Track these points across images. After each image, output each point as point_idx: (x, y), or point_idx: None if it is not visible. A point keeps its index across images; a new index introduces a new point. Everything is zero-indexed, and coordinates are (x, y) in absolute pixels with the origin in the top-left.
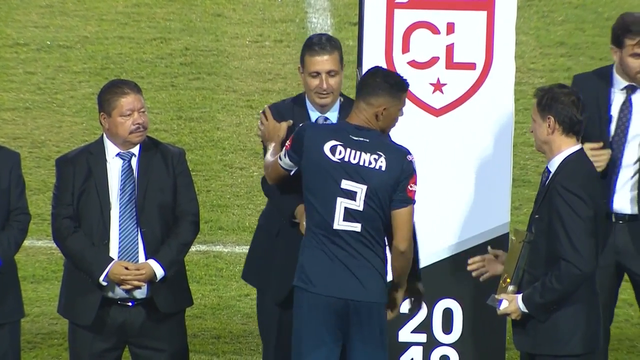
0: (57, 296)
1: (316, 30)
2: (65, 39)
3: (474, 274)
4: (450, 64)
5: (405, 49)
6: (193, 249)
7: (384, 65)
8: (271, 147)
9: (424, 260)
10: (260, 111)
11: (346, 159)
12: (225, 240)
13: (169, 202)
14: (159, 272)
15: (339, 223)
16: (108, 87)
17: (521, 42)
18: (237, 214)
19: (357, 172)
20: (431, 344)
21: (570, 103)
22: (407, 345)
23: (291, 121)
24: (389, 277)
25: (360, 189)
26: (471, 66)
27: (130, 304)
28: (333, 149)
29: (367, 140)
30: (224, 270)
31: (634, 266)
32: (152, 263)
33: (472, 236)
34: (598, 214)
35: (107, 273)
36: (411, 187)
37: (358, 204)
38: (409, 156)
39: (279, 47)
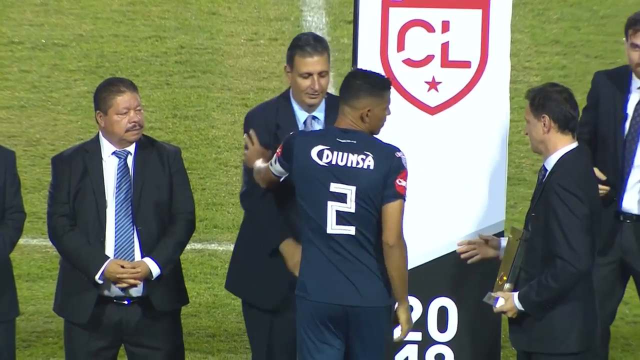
0: (52, 294)
1: (311, 29)
2: (60, 37)
3: (462, 256)
4: (446, 62)
5: (401, 47)
6: (188, 247)
7: (379, 64)
8: (258, 163)
9: (419, 259)
10: (245, 134)
11: (333, 162)
12: (220, 238)
13: (164, 201)
14: (155, 270)
15: (332, 227)
16: (104, 86)
17: (516, 40)
18: (232, 213)
19: (345, 174)
20: (426, 343)
21: (563, 100)
22: (402, 344)
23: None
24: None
25: (350, 191)
26: (466, 64)
27: (126, 302)
28: (320, 154)
29: (354, 142)
30: (219, 268)
31: (639, 266)
32: (148, 261)
33: (468, 234)
34: (594, 212)
35: (103, 271)
36: (400, 182)
37: (349, 206)
38: (397, 153)
39: (274, 45)
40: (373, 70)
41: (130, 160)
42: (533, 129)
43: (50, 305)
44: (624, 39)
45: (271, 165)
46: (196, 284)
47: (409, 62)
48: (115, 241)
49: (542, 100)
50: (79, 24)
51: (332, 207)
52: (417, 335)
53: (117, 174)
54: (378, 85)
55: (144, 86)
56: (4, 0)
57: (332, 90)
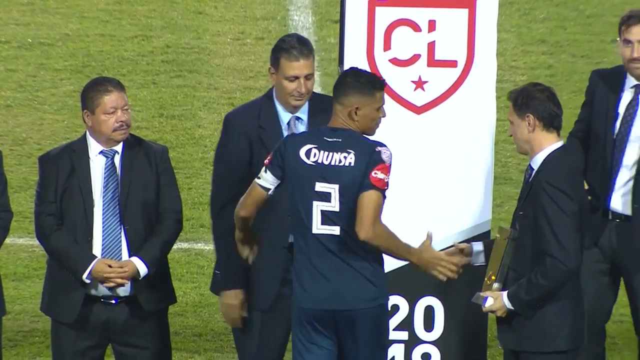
0: (38, 294)
1: (297, 28)
2: (46, 37)
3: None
4: (432, 62)
5: (387, 46)
6: (174, 246)
7: (366, 63)
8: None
9: None
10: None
11: (319, 161)
12: (207, 238)
13: (152, 200)
14: (142, 269)
15: (318, 227)
16: (91, 85)
17: (502, 39)
18: None
19: (329, 173)
20: (412, 342)
21: (545, 98)
22: (389, 343)
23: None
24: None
25: (333, 189)
26: (453, 64)
27: (113, 301)
28: (308, 153)
29: (340, 140)
30: (205, 267)
31: (628, 265)
32: (136, 260)
33: (454, 233)
34: (582, 209)
35: (90, 270)
36: (376, 173)
37: (334, 205)
38: (378, 147)
39: (260, 44)
40: (367, 70)
41: (117, 159)
42: (518, 130)
43: (37, 304)
44: (618, 38)
45: (259, 178)
46: (183, 283)
47: (395, 62)
48: (103, 240)
49: (525, 100)
50: (65, 23)
51: (317, 206)
52: (403, 335)
53: (105, 173)
54: (368, 84)
55: (130, 85)
56: None
57: (318, 89)
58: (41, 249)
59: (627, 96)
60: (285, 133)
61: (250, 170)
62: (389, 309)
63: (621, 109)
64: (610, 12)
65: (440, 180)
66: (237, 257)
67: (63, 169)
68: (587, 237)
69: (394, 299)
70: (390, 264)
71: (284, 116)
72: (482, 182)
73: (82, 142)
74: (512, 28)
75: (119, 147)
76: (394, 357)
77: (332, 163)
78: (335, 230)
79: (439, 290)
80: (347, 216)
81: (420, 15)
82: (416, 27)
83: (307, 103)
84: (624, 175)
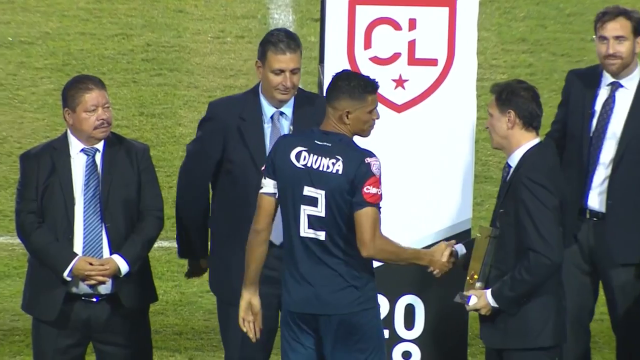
0: (19, 292)
1: (278, 27)
2: (26, 35)
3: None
4: (412, 60)
5: (367, 45)
6: (155, 245)
7: (346, 62)
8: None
9: None
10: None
11: (309, 165)
12: None
13: (133, 198)
14: (124, 267)
15: (305, 231)
16: (72, 83)
17: (483, 38)
18: None
19: (317, 178)
20: (393, 340)
21: (529, 97)
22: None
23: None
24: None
25: (320, 195)
26: (433, 62)
27: (94, 299)
28: (298, 155)
29: (329, 145)
30: (185, 266)
31: (604, 263)
32: (117, 258)
33: (435, 232)
34: (563, 203)
35: (71, 268)
36: (367, 189)
37: (320, 210)
38: (367, 158)
39: (240, 43)
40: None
41: (98, 157)
42: (497, 124)
43: (18, 303)
44: (594, 36)
45: (262, 188)
46: (163, 281)
47: (375, 60)
48: (84, 238)
49: (509, 96)
50: (46, 22)
51: (305, 210)
52: (384, 333)
53: (85, 172)
54: (359, 88)
55: (110, 84)
56: None
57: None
58: (21, 248)
59: (603, 94)
60: (267, 127)
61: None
62: None
63: (598, 107)
64: (591, 10)
65: (421, 178)
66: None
67: (44, 167)
68: (567, 235)
69: None
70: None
71: (268, 110)
72: (462, 180)
73: (63, 140)
74: (493, 27)
75: (100, 145)
76: None
77: (320, 168)
78: (321, 235)
79: (420, 288)
80: (332, 222)
81: (401, 13)
82: (396, 26)
83: (292, 99)
84: (601, 173)
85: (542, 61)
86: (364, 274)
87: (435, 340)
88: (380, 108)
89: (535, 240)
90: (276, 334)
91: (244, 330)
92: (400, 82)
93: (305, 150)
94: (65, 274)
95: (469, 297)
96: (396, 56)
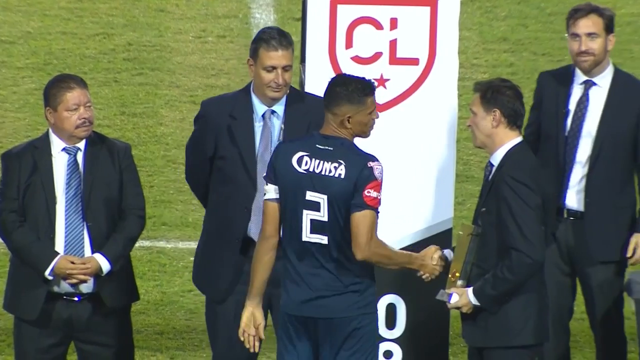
0: (1, 292)
1: (260, 26)
2: (7, 35)
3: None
4: (394, 60)
5: (349, 44)
6: (136, 244)
7: (328, 61)
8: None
9: None
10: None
11: (311, 169)
12: (169, 235)
13: (115, 197)
14: (105, 266)
15: (307, 235)
16: (54, 82)
17: (464, 37)
18: (181, 210)
19: (319, 182)
20: None
21: (514, 96)
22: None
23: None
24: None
25: (322, 199)
26: (414, 61)
27: (76, 298)
28: (300, 160)
29: (331, 149)
30: (167, 266)
31: (583, 261)
32: (98, 257)
33: (416, 231)
34: (545, 202)
35: (53, 267)
36: (368, 192)
37: (322, 214)
38: (370, 162)
39: (222, 42)
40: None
41: (80, 156)
42: (481, 122)
43: None
44: (566, 34)
45: (265, 194)
46: (144, 281)
47: (357, 59)
48: (65, 237)
49: (494, 95)
50: (27, 21)
51: (307, 215)
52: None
53: (67, 170)
54: (357, 92)
55: (92, 83)
56: None
57: None
58: (3, 247)
59: (577, 92)
60: (258, 125)
61: (212, 157)
62: None
63: (572, 106)
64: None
65: (402, 178)
66: None
67: (25, 166)
68: (547, 234)
69: None
70: None
71: (259, 109)
72: (443, 180)
73: (45, 140)
74: (474, 26)
75: (81, 144)
76: None
77: (323, 172)
78: (324, 239)
79: (401, 288)
80: (335, 226)
81: (382, 13)
82: (378, 25)
83: (284, 97)
84: (578, 172)
85: (524, 60)
86: (365, 278)
87: (416, 340)
88: None
89: (518, 239)
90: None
91: (244, 342)
92: (381, 82)
93: (306, 155)
94: (47, 272)
95: (450, 295)
96: (377, 55)
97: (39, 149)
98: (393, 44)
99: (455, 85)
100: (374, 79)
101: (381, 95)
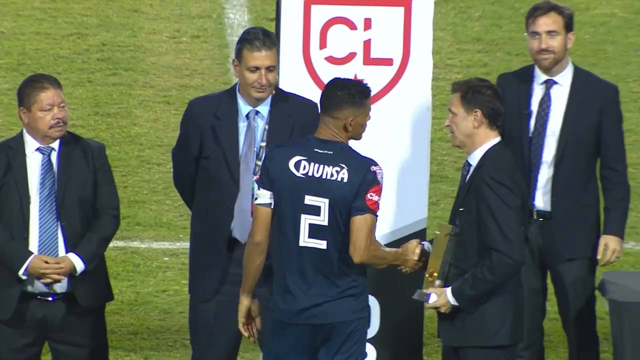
0: None
1: (233, 26)
2: None
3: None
4: (368, 60)
5: (323, 44)
6: (110, 244)
7: (302, 61)
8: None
9: None
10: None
11: (310, 174)
12: (143, 236)
13: (89, 197)
14: (79, 265)
15: (305, 240)
16: (28, 82)
17: (438, 37)
18: (155, 210)
19: (320, 186)
20: None
21: (494, 95)
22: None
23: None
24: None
25: (324, 203)
26: (388, 62)
27: (50, 298)
28: (297, 165)
29: (331, 153)
30: (141, 266)
31: (553, 261)
32: (72, 257)
33: (390, 231)
34: (524, 202)
35: (27, 267)
36: (371, 196)
37: (322, 219)
38: (373, 167)
39: (196, 42)
40: (351, 78)
41: (54, 156)
42: (462, 123)
43: None
44: (525, 33)
45: (256, 199)
46: (118, 281)
47: (331, 60)
48: (39, 237)
49: (475, 95)
50: (0, 21)
51: (306, 219)
52: None
53: (41, 170)
54: (359, 95)
55: (66, 84)
56: None
57: None
58: None
59: (538, 92)
60: (242, 125)
61: (197, 158)
62: None
63: (534, 106)
64: None
65: None
66: None
67: None
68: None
69: None
70: None
71: (244, 109)
72: (417, 180)
73: (19, 140)
74: (448, 26)
75: (55, 144)
76: None
77: (323, 176)
78: (322, 244)
79: (375, 288)
80: (334, 231)
81: (356, 13)
82: (352, 26)
83: (269, 99)
84: (545, 173)
85: (498, 61)
86: (360, 282)
87: (391, 340)
88: None
89: (498, 240)
90: (243, 336)
91: (245, 334)
92: None
93: (304, 159)
94: (21, 272)
95: (428, 295)
96: (351, 56)
97: (13, 149)
98: (367, 44)
99: (429, 86)
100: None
101: None
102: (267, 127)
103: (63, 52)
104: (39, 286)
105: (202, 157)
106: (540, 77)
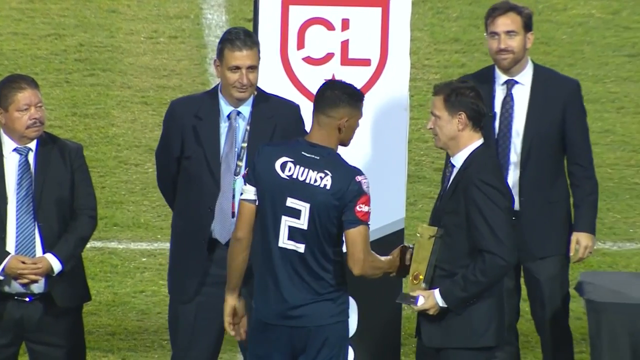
0: None
1: (211, 27)
2: None
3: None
4: (346, 60)
5: (301, 45)
6: (88, 245)
7: (279, 62)
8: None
9: None
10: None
11: (294, 176)
12: (120, 236)
13: (66, 197)
14: (57, 266)
15: (284, 242)
16: (5, 82)
17: (416, 38)
18: (132, 211)
19: (303, 190)
20: None
21: (476, 97)
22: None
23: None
24: None
25: (304, 207)
26: (366, 62)
27: (27, 299)
28: (283, 166)
29: (318, 158)
30: (118, 266)
31: (526, 261)
32: (50, 257)
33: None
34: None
35: (3, 267)
36: (360, 207)
37: (302, 222)
38: (358, 177)
39: (173, 43)
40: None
41: (31, 156)
42: (446, 125)
43: None
44: (485, 33)
45: (242, 194)
46: (96, 282)
47: (309, 60)
48: (17, 237)
49: (458, 97)
50: None
51: (286, 222)
52: None
53: (18, 171)
54: (355, 96)
55: (43, 84)
56: None
57: None
58: None
59: (500, 93)
60: (224, 126)
61: (179, 158)
62: None
63: (497, 108)
64: None
65: None
66: None
67: None
68: None
69: None
70: None
71: (226, 109)
72: (395, 180)
73: None
74: (425, 27)
75: (33, 145)
76: None
77: (307, 181)
78: (301, 247)
79: (353, 289)
80: (313, 235)
81: (334, 14)
82: (330, 26)
83: (251, 99)
84: (513, 174)
85: (475, 61)
86: (340, 286)
87: (368, 340)
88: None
89: (490, 242)
90: (224, 337)
91: (231, 333)
92: None
93: (291, 161)
94: None
95: (416, 298)
96: (329, 56)
97: None
98: (345, 44)
99: (406, 86)
100: (326, 80)
101: None
102: (248, 127)
103: (40, 52)
104: (16, 287)
105: (183, 157)
106: (501, 77)
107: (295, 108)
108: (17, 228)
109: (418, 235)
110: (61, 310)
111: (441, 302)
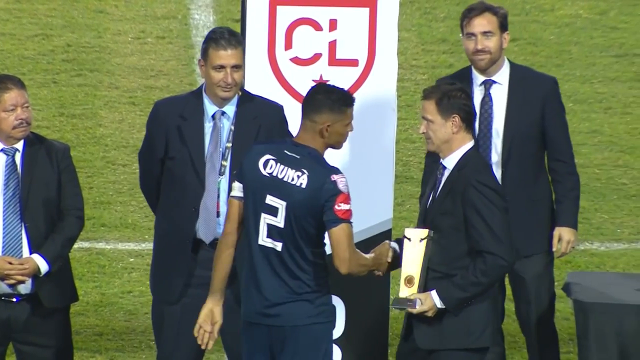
0: None
1: (199, 27)
2: None
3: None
4: (333, 61)
5: (288, 45)
6: (75, 245)
7: (267, 62)
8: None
9: None
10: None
11: (274, 174)
12: (108, 237)
13: (53, 198)
14: (44, 266)
15: (263, 239)
16: None
17: (403, 38)
18: (120, 211)
19: (281, 188)
20: None
21: (467, 98)
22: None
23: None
24: None
25: (282, 205)
26: (354, 62)
27: (14, 299)
28: (266, 163)
29: (298, 157)
30: (106, 267)
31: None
32: (36, 257)
33: (355, 232)
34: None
35: None
36: (339, 206)
37: (279, 220)
38: (333, 176)
39: (161, 43)
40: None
41: (18, 157)
42: (440, 129)
43: None
44: (460, 35)
45: (231, 190)
46: (84, 282)
47: (296, 61)
48: (3, 238)
49: (450, 100)
50: None
51: (265, 219)
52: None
53: (5, 171)
54: (339, 102)
55: (30, 84)
56: None
57: None
58: None
59: (478, 94)
60: (208, 126)
61: (163, 159)
62: None
63: (477, 108)
64: (511, 11)
65: None
66: None
67: None
68: None
69: None
70: None
71: (210, 109)
72: (382, 180)
73: None
74: (413, 27)
75: (19, 145)
76: None
77: (285, 179)
78: (278, 246)
79: (341, 289)
80: (289, 234)
81: (321, 14)
82: (317, 26)
83: (236, 100)
84: (495, 173)
85: (463, 61)
86: (319, 287)
87: (356, 341)
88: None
89: (490, 243)
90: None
91: (197, 340)
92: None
93: (273, 159)
94: None
95: (414, 301)
96: (317, 57)
97: None
98: (332, 45)
99: (394, 86)
100: (314, 80)
101: None
102: (232, 127)
103: (28, 52)
104: (2, 287)
105: (167, 157)
106: (478, 78)
107: (279, 109)
108: (3, 228)
109: (406, 238)
110: (48, 310)
111: (439, 304)
